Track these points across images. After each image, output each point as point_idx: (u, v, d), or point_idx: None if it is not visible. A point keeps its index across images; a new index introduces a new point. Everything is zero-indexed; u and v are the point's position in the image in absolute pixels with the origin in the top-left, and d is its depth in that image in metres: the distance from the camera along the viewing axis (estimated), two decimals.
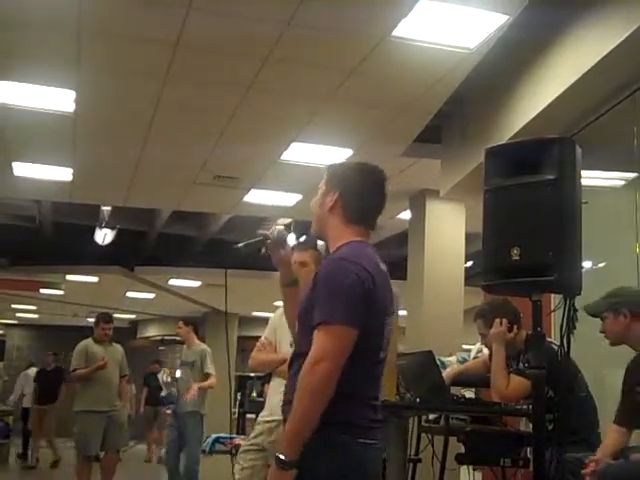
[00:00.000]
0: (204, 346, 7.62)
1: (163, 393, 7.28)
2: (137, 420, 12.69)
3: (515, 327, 3.93)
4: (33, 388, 12.39)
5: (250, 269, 13.46)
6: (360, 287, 2.15)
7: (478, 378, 4.41)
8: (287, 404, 2.26)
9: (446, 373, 4.46)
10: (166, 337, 20.48)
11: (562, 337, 3.08)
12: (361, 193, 2.39)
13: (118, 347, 7.48)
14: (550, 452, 3.09)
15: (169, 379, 7.23)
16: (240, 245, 2.67)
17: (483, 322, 4.08)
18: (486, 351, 4.71)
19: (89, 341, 7.23)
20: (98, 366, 6.96)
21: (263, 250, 2.67)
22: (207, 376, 7.25)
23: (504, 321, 3.90)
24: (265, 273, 12.77)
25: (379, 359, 2.25)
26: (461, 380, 4.50)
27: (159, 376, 7.60)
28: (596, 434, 3.70)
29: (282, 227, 2.85)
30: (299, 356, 2.24)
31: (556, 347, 3.25)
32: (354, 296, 2.14)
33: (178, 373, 7.44)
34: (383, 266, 2.32)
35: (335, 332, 2.11)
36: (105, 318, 7.43)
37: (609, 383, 4.78)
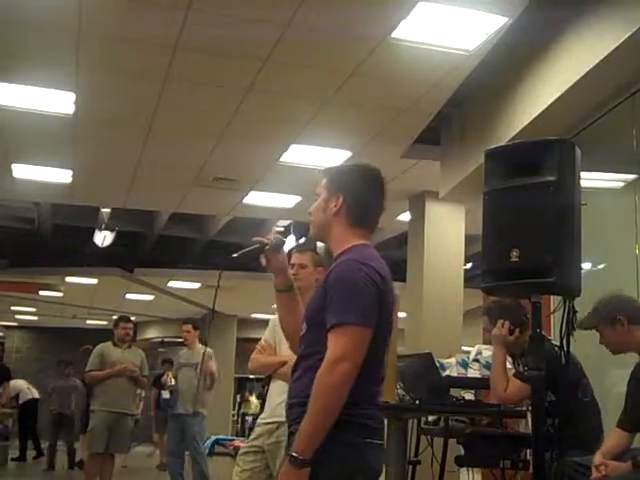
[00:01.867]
0: (207, 348, 7.65)
1: (166, 396, 7.33)
2: (146, 423, 12.64)
3: (517, 330, 3.91)
4: None
5: (249, 271, 13.52)
6: (373, 288, 2.18)
7: None
8: (293, 407, 2.25)
9: None
10: (166, 339, 20.47)
11: (562, 339, 3.07)
12: (364, 196, 2.41)
13: (138, 350, 7.54)
14: (550, 455, 3.08)
15: (173, 382, 7.29)
16: (235, 255, 2.69)
17: (488, 320, 4.06)
18: (485, 353, 4.71)
19: (107, 344, 7.30)
20: (112, 372, 7.04)
21: (262, 258, 2.69)
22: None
23: (506, 323, 3.88)
24: (264, 275, 12.74)
25: (384, 360, 2.27)
26: None
27: (164, 380, 7.61)
28: (601, 440, 3.68)
29: (280, 231, 2.88)
30: (306, 358, 2.25)
31: (557, 349, 3.24)
32: (368, 297, 2.17)
33: (170, 373, 7.51)
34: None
35: (352, 332, 2.12)
36: (125, 319, 7.58)
37: (609, 384, 4.78)
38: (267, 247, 2.64)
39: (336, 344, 2.12)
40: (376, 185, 2.43)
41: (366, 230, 2.41)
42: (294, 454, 2.07)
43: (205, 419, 7.38)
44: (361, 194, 2.40)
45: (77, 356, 10.86)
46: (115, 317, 7.87)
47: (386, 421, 2.37)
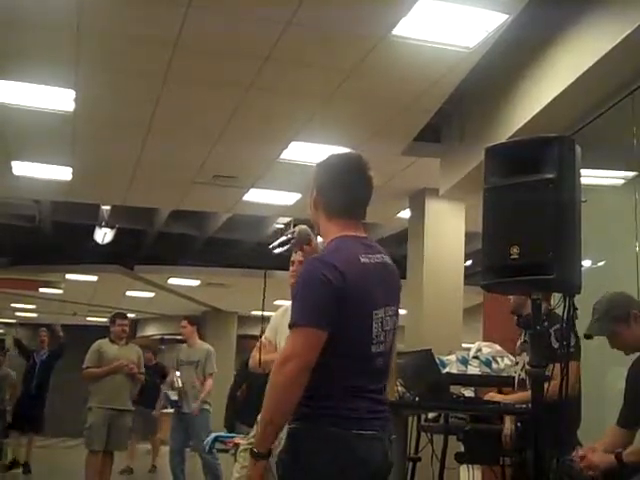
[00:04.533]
0: (208, 345, 7.65)
1: (175, 397, 7.33)
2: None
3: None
4: None
5: (250, 268, 13.52)
6: (328, 287, 2.17)
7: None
8: None
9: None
10: (166, 336, 20.48)
11: (562, 336, 3.07)
12: (337, 186, 2.37)
13: (135, 347, 7.53)
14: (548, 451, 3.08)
15: (180, 383, 7.28)
16: (271, 247, 2.80)
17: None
18: (485, 350, 4.71)
19: (104, 341, 7.28)
20: (110, 369, 7.02)
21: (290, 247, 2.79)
22: (209, 375, 7.36)
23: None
24: (263, 272, 12.74)
25: (371, 353, 2.24)
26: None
27: (170, 379, 7.59)
28: (576, 438, 3.71)
29: (305, 226, 2.92)
30: None
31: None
32: (320, 297, 2.18)
33: (177, 373, 7.49)
34: (371, 258, 2.30)
35: (301, 333, 2.16)
36: (121, 315, 7.56)
37: (609, 383, 4.79)
38: (292, 240, 2.70)
39: (288, 344, 2.19)
40: (351, 173, 2.37)
41: (347, 220, 2.36)
42: (253, 448, 2.19)
43: (210, 415, 7.41)
44: (333, 185, 2.37)
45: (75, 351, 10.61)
46: (109, 316, 7.83)
47: None
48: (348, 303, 2.19)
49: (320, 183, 2.39)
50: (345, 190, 2.36)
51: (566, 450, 3.51)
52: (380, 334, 2.26)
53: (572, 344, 3.70)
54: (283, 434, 2.23)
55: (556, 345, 3.65)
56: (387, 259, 2.38)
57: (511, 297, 4.11)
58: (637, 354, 3.41)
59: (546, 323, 3.69)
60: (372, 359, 2.25)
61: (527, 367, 3.83)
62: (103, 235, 11.94)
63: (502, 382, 4.55)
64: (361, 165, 2.39)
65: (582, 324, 3.52)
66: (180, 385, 7.30)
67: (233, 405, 8.24)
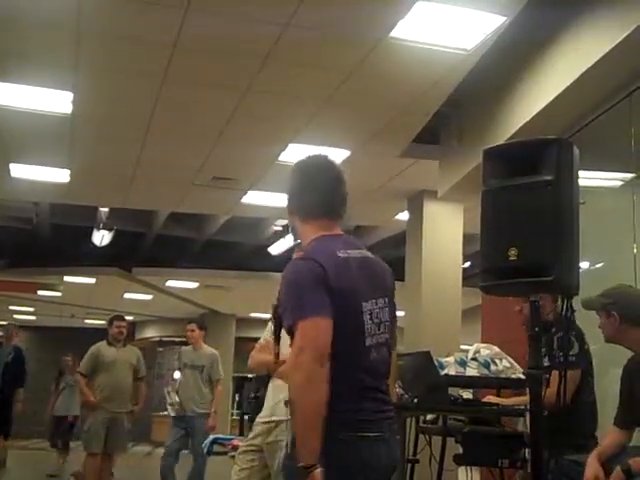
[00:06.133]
0: (213, 350, 7.59)
1: (177, 398, 7.35)
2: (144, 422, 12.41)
3: None
4: None
5: (248, 270, 13.53)
6: (315, 280, 2.19)
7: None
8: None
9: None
10: (164, 338, 20.47)
11: (561, 337, 3.08)
12: (307, 189, 2.42)
13: (134, 349, 7.52)
14: (548, 454, 3.09)
15: (177, 385, 7.29)
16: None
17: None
18: (483, 352, 4.71)
19: (102, 344, 7.27)
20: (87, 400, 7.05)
21: None
22: (217, 382, 7.34)
23: None
24: (263, 274, 12.78)
25: (366, 347, 2.24)
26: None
27: (171, 380, 7.59)
28: (594, 440, 3.69)
29: (278, 230, 2.95)
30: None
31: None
32: (312, 289, 2.18)
33: (177, 374, 7.48)
34: (350, 253, 2.30)
35: (308, 324, 2.13)
36: (118, 317, 7.55)
37: (608, 383, 4.78)
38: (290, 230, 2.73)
39: (296, 339, 2.14)
40: (318, 174, 2.43)
41: (324, 220, 2.39)
42: (300, 464, 2.06)
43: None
44: (301, 188, 2.43)
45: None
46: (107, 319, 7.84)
47: None
48: (335, 296, 2.19)
49: (290, 188, 2.46)
50: (315, 192, 2.40)
51: (565, 451, 3.52)
52: (373, 327, 2.26)
53: (576, 352, 3.70)
54: (283, 434, 2.23)
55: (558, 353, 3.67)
56: (367, 253, 2.39)
57: (520, 306, 4.04)
58: (632, 354, 3.43)
59: (554, 329, 3.72)
60: (368, 353, 2.24)
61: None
62: (101, 237, 11.93)
63: (501, 384, 4.55)
64: (329, 164, 2.45)
65: (581, 326, 3.53)
66: (177, 387, 7.29)
67: (249, 406, 8.26)
